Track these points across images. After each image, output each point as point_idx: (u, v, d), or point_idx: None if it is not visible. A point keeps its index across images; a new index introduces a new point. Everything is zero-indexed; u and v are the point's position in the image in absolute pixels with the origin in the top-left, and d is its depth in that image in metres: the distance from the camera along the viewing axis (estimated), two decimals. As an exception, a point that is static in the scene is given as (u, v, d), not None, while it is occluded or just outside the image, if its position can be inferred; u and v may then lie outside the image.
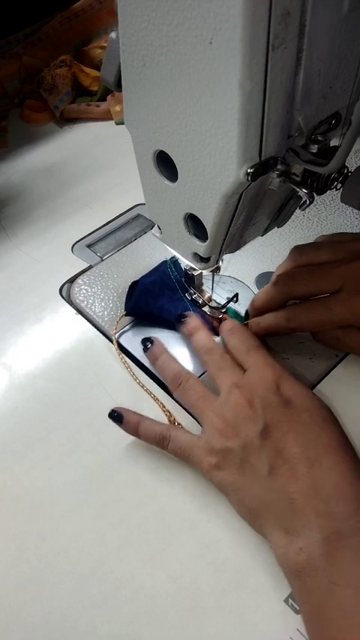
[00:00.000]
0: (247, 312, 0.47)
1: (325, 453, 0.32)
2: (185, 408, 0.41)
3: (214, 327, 0.46)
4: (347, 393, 0.42)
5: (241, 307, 0.49)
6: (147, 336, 0.45)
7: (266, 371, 0.36)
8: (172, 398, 0.42)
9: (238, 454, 0.34)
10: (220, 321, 0.47)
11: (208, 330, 0.44)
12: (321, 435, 0.33)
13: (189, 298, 0.48)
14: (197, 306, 0.48)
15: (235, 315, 0.47)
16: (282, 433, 0.33)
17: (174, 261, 0.50)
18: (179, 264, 0.50)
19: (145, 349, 0.44)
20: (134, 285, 0.50)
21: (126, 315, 0.48)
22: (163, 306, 0.47)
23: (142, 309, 0.48)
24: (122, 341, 0.47)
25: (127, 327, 0.47)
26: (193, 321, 0.44)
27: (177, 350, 0.45)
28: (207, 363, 0.41)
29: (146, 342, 0.44)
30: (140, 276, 0.51)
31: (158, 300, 0.48)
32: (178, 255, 0.41)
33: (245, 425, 0.34)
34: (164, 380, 0.42)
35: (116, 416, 0.39)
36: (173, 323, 0.46)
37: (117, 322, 0.47)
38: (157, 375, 0.44)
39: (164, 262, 0.51)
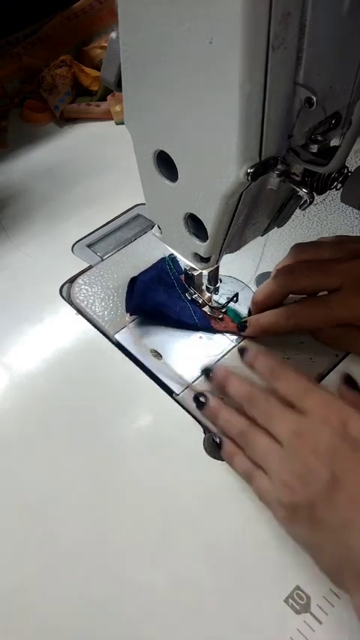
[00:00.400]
0: (249, 312, 0.47)
1: None
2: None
3: (213, 326, 0.46)
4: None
5: (241, 307, 0.49)
6: (149, 336, 0.45)
7: (330, 412, 0.33)
8: (172, 398, 0.42)
9: (306, 509, 0.31)
10: (221, 320, 0.47)
11: (236, 374, 0.39)
12: None
13: (189, 298, 0.48)
14: (196, 305, 0.48)
15: (235, 315, 0.47)
16: (353, 483, 0.30)
17: (172, 259, 0.50)
18: (178, 261, 0.50)
19: (200, 407, 0.39)
20: (133, 282, 0.50)
21: (130, 314, 0.48)
22: (163, 303, 0.47)
23: (144, 308, 0.48)
24: (121, 340, 0.47)
25: (125, 326, 0.47)
26: (220, 370, 0.40)
27: (177, 347, 0.45)
28: (253, 415, 0.36)
29: (200, 398, 0.40)
30: (140, 272, 0.51)
31: (157, 296, 0.48)
32: (177, 254, 0.41)
33: (310, 477, 0.31)
34: (230, 436, 0.38)
35: (217, 445, 0.37)
36: (173, 319, 0.46)
37: (127, 320, 0.47)
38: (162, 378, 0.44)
39: (163, 259, 0.51)
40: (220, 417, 0.38)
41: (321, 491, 0.31)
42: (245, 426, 0.36)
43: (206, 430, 0.40)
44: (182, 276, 0.49)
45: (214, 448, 0.38)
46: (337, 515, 0.30)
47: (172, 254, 0.48)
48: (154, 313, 0.47)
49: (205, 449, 0.39)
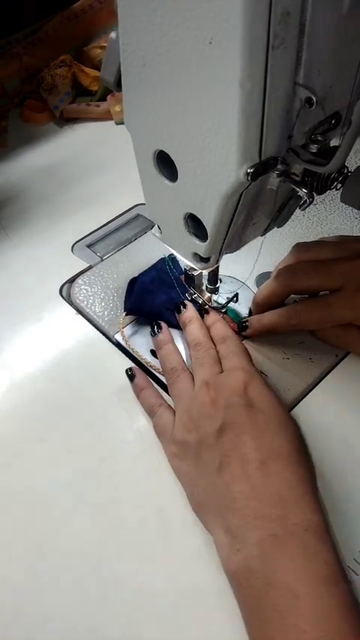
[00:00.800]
0: (250, 312, 0.47)
1: (273, 458, 0.33)
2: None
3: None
4: (347, 393, 0.42)
5: (241, 307, 0.49)
6: (149, 338, 0.46)
7: (238, 374, 0.37)
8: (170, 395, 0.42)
9: (193, 448, 0.36)
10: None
11: (202, 322, 0.45)
12: (274, 440, 0.34)
13: (189, 298, 0.48)
14: (196, 305, 0.48)
15: (235, 315, 0.47)
16: (236, 433, 0.34)
17: (172, 259, 0.50)
18: (177, 261, 0.50)
19: (153, 334, 0.45)
20: (133, 282, 0.50)
21: (127, 314, 0.48)
22: (162, 304, 0.47)
23: (142, 308, 0.48)
24: (121, 340, 0.47)
25: (126, 326, 0.47)
26: (188, 311, 0.46)
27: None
28: (193, 357, 0.42)
29: (155, 327, 0.45)
30: (139, 273, 0.51)
31: (156, 297, 0.48)
32: (177, 254, 0.41)
33: (204, 422, 0.36)
34: (163, 369, 0.43)
35: (130, 375, 0.43)
36: (172, 321, 0.46)
37: (121, 321, 0.47)
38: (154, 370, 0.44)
39: (162, 259, 0.51)
40: (164, 349, 0.44)
41: (209, 434, 0.35)
42: (179, 365, 0.42)
43: None
44: (182, 277, 0.49)
45: (129, 377, 0.43)
46: (216, 457, 0.34)
47: (172, 254, 0.48)
48: (152, 315, 0.47)
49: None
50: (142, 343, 0.46)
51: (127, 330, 0.47)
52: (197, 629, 0.32)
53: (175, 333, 0.46)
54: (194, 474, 0.35)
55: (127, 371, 0.43)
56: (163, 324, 0.46)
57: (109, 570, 0.35)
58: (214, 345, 0.42)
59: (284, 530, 0.30)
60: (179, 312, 0.46)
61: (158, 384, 0.43)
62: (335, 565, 0.30)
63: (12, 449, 0.41)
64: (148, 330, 0.47)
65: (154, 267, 0.51)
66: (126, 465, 0.39)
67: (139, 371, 0.43)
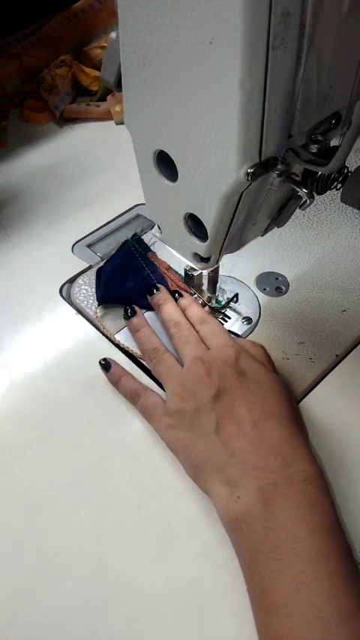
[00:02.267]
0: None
1: (267, 417, 0.36)
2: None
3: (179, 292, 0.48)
4: (347, 393, 0.42)
5: (241, 307, 0.49)
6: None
7: (227, 349, 0.40)
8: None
9: (190, 415, 0.37)
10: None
11: (176, 303, 0.46)
12: (265, 402, 0.37)
13: (160, 277, 0.49)
14: (163, 279, 0.49)
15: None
16: (231, 398, 0.37)
17: (136, 239, 0.51)
18: (142, 240, 0.51)
19: (127, 317, 0.46)
20: (100, 272, 0.50)
21: (99, 305, 0.49)
22: (132, 289, 0.48)
23: (113, 297, 0.48)
24: (121, 340, 0.47)
25: (125, 327, 0.47)
26: (162, 293, 0.47)
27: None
28: (174, 336, 0.43)
29: (128, 312, 0.47)
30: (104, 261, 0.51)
31: (125, 284, 0.49)
32: (177, 254, 0.41)
33: (200, 390, 0.38)
34: (141, 351, 0.44)
35: (104, 364, 0.44)
36: (144, 304, 0.47)
37: (98, 313, 0.48)
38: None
39: (126, 242, 0.51)
40: (142, 331, 0.45)
41: (205, 401, 0.37)
42: (160, 345, 0.43)
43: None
44: (150, 254, 0.50)
45: (104, 368, 0.44)
46: (214, 420, 0.36)
47: (135, 234, 0.49)
48: (124, 301, 0.48)
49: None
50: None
51: (129, 330, 0.47)
52: (197, 629, 0.32)
53: (152, 319, 0.47)
54: (190, 438, 0.37)
55: (100, 362, 0.44)
56: (136, 308, 0.47)
57: (109, 570, 0.35)
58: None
59: (284, 478, 0.33)
60: (151, 294, 0.47)
61: (163, 390, 0.43)
62: (333, 515, 0.32)
63: (12, 449, 0.41)
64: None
65: (117, 252, 0.52)
66: (126, 464, 0.39)
67: (113, 361, 0.44)
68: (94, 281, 0.52)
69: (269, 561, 0.30)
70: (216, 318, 0.47)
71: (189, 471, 0.37)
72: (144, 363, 0.45)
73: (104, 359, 0.44)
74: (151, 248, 0.53)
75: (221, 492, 0.34)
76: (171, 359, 0.42)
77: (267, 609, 0.30)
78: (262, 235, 0.40)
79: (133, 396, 0.42)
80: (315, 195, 0.33)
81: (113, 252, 0.55)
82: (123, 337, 0.47)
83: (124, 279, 0.49)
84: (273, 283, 0.51)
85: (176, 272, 0.50)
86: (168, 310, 0.45)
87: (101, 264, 0.53)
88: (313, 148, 0.29)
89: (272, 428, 0.35)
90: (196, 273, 0.45)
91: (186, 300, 0.46)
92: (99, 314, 0.48)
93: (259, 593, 0.31)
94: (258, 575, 0.31)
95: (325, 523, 0.31)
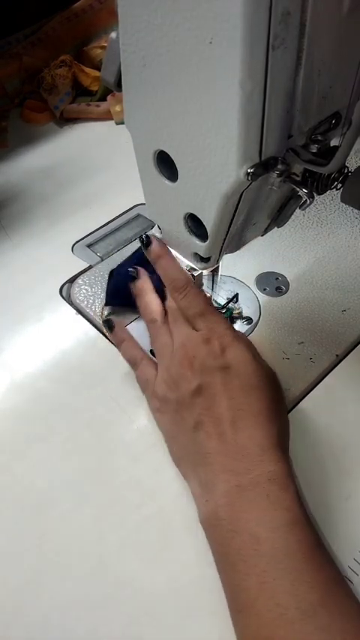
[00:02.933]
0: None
1: (244, 417, 0.35)
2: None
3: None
4: (347, 393, 0.42)
5: (241, 307, 0.49)
6: (149, 338, 0.46)
7: (213, 336, 0.38)
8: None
9: (173, 405, 0.38)
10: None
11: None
12: (245, 401, 0.36)
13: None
14: None
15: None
16: (211, 395, 0.36)
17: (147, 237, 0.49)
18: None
19: (146, 247, 0.41)
20: (112, 275, 0.50)
21: (106, 304, 0.49)
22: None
23: (120, 301, 0.48)
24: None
25: (127, 326, 0.47)
26: (157, 245, 0.41)
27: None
28: (169, 308, 0.42)
29: (145, 239, 0.42)
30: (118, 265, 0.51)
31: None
32: (176, 254, 0.41)
33: (182, 382, 0.37)
34: (144, 318, 0.44)
35: (109, 324, 0.44)
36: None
37: (103, 314, 0.48)
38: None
39: (139, 249, 0.50)
40: (144, 297, 0.44)
41: (186, 395, 0.37)
42: (159, 317, 0.42)
43: None
44: None
45: (108, 328, 0.44)
46: (192, 417, 0.36)
47: (147, 237, 0.48)
48: (131, 304, 0.46)
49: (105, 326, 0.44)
50: (142, 343, 0.46)
51: (129, 330, 0.47)
52: (197, 629, 0.32)
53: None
54: (174, 430, 0.38)
55: (104, 322, 0.44)
56: (141, 271, 0.45)
57: (109, 570, 0.35)
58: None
59: (248, 481, 0.33)
60: (146, 249, 0.42)
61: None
62: (297, 510, 0.32)
63: (12, 449, 0.41)
64: (143, 328, 0.47)
65: (133, 256, 0.51)
66: (126, 464, 0.39)
67: (119, 323, 0.44)
68: (94, 281, 0.52)
69: (236, 563, 0.31)
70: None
71: (173, 460, 0.38)
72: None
73: (109, 319, 0.44)
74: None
75: (196, 491, 0.35)
76: (166, 335, 0.41)
77: (237, 609, 0.31)
78: (262, 235, 0.40)
79: (132, 364, 0.42)
80: (315, 195, 0.33)
81: (114, 252, 0.55)
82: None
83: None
84: (273, 283, 0.51)
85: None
86: (165, 267, 0.41)
87: (101, 264, 0.53)
88: (313, 148, 0.29)
89: (246, 427, 0.35)
90: (196, 274, 0.45)
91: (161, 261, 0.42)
92: (105, 313, 0.48)
93: (231, 594, 0.31)
94: (228, 577, 0.32)
95: (288, 520, 0.31)
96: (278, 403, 0.38)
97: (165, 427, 0.39)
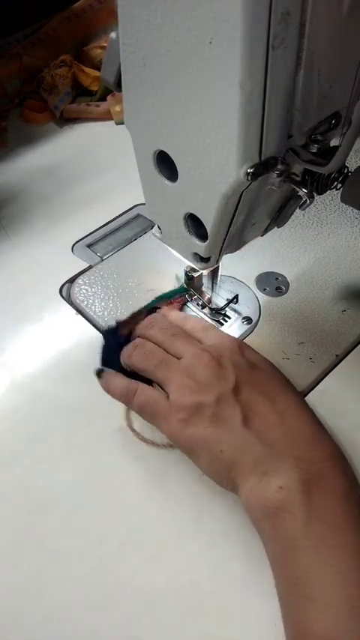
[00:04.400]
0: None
1: (291, 408, 0.36)
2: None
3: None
4: (347, 393, 0.42)
5: (241, 307, 0.49)
6: None
7: (229, 339, 0.40)
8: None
9: (210, 408, 0.35)
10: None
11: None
12: (283, 393, 0.37)
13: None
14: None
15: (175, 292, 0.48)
16: (250, 392, 0.36)
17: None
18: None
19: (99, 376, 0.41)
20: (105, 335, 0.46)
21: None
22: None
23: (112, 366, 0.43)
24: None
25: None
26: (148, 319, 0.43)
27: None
28: (154, 335, 0.41)
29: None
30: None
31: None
32: (176, 254, 0.41)
33: (217, 382, 0.36)
34: (145, 371, 0.40)
35: (98, 372, 0.42)
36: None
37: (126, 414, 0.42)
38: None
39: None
40: (150, 328, 0.42)
41: (226, 393, 0.36)
42: (160, 354, 0.39)
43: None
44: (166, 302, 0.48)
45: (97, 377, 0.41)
46: (238, 413, 0.35)
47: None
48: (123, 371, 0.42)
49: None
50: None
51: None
52: (197, 629, 0.32)
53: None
54: (217, 433, 0.35)
55: (95, 372, 0.41)
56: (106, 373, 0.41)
57: (109, 570, 0.35)
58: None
59: (325, 468, 0.33)
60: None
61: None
62: None
63: (12, 449, 0.41)
64: None
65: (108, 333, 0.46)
66: (126, 464, 0.39)
67: (106, 369, 0.42)
68: (94, 281, 0.52)
69: (306, 550, 0.30)
70: (216, 319, 0.48)
71: (217, 470, 0.35)
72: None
73: (99, 368, 0.42)
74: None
75: (256, 484, 0.33)
76: (157, 350, 0.40)
77: (308, 597, 0.29)
78: (262, 235, 0.40)
79: (127, 396, 0.39)
80: (315, 195, 0.33)
81: (114, 252, 0.55)
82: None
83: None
84: (273, 283, 0.51)
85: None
86: (153, 331, 0.41)
87: (101, 264, 0.53)
88: (313, 148, 0.29)
89: (299, 418, 0.35)
90: (196, 274, 0.45)
91: (162, 310, 0.45)
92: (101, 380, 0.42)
93: (294, 583, 0.30)
94: (294, 565, 0.31)
95: None
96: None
97: (200, 436, 0.35)
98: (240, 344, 0.39)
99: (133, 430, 0.41)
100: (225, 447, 0.34)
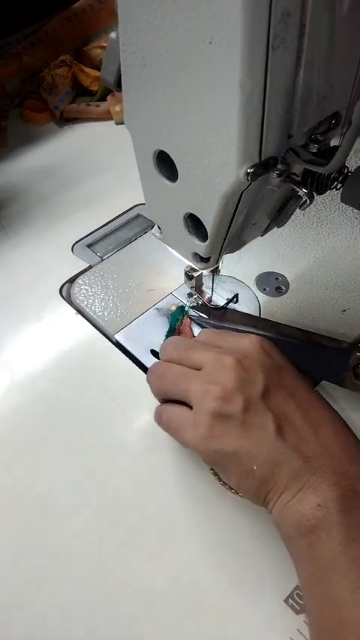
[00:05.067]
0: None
1: (325, 417, 0.33)
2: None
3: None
4: (347, 393, 0.42)
5: (241, 307, 0.49)
6: (149, 336, 0.46)
7: (250, 339, 0.36)
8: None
9: (239, 417, 0.32)
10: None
11: None
12: (313, 399, 0.34)
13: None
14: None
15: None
16: (282, 396, 0.33)
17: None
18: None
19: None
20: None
21: None
22: None
23: None
24: (121, 340, 0.47)
25: (126, 325, 0.47)
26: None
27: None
28: (169, 355, 0.38)
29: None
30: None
31: None
32: (176, 254, 0.41)
33: (245, 387, 0.33)
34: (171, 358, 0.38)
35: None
36: None
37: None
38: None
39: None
40: (164, 350, 0.39)
41: (255, 399, 0.33)
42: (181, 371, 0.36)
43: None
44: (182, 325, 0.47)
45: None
46: (270, 421, 0.32)
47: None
48: None
49: None
50: (141, 343, 0.46)
51: (129, 330, 0.47)
52: (197, 630, 0.32)
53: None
54: (248, 445, 0.32)
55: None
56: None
57: (109, 570, 0.35)
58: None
59: (356, 486, 0.30)
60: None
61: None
62: None
63: (12, 449, 0.41)
64: (149, 329, 0.47)
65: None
66: (126, 464, 0.39)
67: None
68: (94, 281, 0.52)
69: (349, 573, 0.28)
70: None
71: (249, 484, 0.32)
72: (144, 363, 0.45)
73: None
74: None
75: (292, 500, 0.31)
76: (173, 366, 0.37)
77: (341, 622, 0.27)
78: (262, 235, 0.40)
79: (158, 421, 0.37)
80: (315, 195, 0.33)
81: (114, 252, 0.55)
82: (123, 337, 0.47)
83: None
84: (273, 283, 0.51)
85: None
86: (167, 352, 0.39)
87: (101, 264, 0.53)
88: (313, 148, 0.29)
89: (335, 430, 0.33)
90: (196, 274, 0.45)
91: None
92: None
93: (332, 606, 0.28)
94: (328, 587, 0.28)
95: None
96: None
97: (230, 449, 0.32)
98: (263, 343, 0.36)
99: (216, 476, 0.38)
100: (258, 461, 0.32)
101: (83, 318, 0.49)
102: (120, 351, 0.46)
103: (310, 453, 0.31)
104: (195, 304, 0.48)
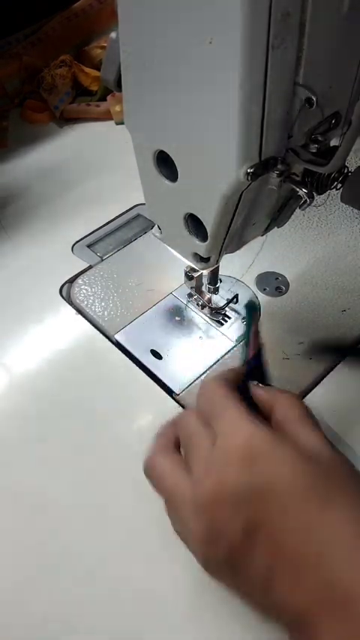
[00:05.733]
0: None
1: (331, 545, 0.25)
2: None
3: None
4: (347, 393, 0.42)
5: (241, 307, 0.49)
6: (149, 336, 0.46)
7: (236, 440, 0.28)
8: (172, 398, 0.42)
9: (226, 562, 0.27)
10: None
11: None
12: (319, 521, 0.25)
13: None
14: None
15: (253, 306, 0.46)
16: (271, 528, 0.26)
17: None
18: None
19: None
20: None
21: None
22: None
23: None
24: (121, 340, 0.47)
25: (126, 325, 0.47)
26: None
27: (178, 348, 0.46)
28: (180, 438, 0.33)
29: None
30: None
31: None
32: (176, 254, 0.41)
33: (224, 525, 0.27)
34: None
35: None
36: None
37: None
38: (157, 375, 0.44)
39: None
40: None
41: (237, 539, 0.26)
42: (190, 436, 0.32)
43: None
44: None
45: None
46: (260, 566, 0.26)
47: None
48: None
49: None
50: (142, 343, 0.46)
51: (129, 330, 0.47)
52: (197, 630, 0.32)
53: (184, 332, 0.45)
54: (240, 595, 0.28)
55: None
56: None
57: (109, 570, 0.35)
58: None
59: None
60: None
61: (164, 391, 0.43)
62: None
63: (12, 449, 0.41)
64: (149, 329, 0.47)
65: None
66: (126, 464, 0.39)
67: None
68: (94, 281, 0.52)
69: None
70: (216, 319, 0.48)
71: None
72: (144, 363, 0.45)
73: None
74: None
75: None
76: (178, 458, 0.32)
77: None
78: (262, 235, 0.40)
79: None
80: (315, 195, 0.33)
81: (114, 252, 0.55)
82: (123, 337, 0.47)
83: None
84: (273, 283, 0.51)
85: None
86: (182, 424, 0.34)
87: (101, 264, 0.53)
88: (313, 148, 0.29)
89: (343, 560, 0.24)
90: (196, 274, 0.45)
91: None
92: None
93: None
94: None
95: None
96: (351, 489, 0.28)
97: (229, 589, 0.29)
98: (255, 446, 0.28)
99: None
100: (256, 605, 0.28)
101: (83, 318, 0.49)
102: (120, 351, 0.46)
103: (306, 604, 0.25)
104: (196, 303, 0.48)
